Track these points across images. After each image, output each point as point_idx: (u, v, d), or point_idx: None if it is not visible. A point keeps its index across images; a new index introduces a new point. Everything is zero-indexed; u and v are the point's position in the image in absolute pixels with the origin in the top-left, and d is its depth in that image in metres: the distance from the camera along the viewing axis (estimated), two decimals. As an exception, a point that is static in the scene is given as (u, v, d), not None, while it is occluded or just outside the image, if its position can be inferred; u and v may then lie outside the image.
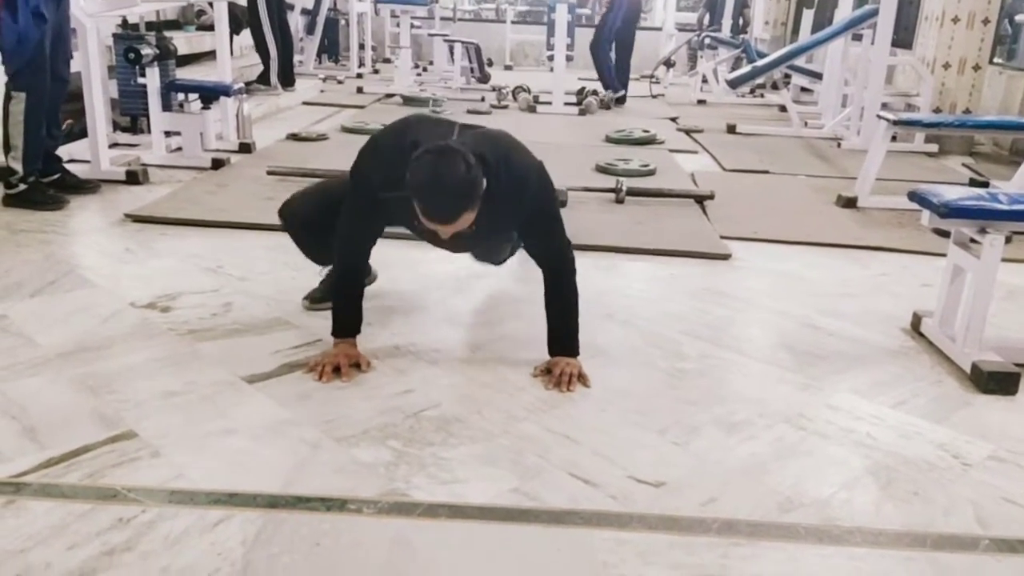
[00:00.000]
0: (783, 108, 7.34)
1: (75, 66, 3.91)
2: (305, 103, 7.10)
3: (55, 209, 3.57)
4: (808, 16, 8.67)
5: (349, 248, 2.25)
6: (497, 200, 2.01)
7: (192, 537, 1.53)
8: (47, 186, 3.70)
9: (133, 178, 4.06)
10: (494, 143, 2.12)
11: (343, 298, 2.28)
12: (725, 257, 3.40)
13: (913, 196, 2.55)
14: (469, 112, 6.82)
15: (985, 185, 4.68)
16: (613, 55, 7.72)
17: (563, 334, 2.29)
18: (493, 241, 2.59)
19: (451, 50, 8.79)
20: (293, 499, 1.67)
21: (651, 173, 4.76)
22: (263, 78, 6.94)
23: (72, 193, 3.78)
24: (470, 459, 1.85)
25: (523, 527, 1.63)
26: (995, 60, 6.57)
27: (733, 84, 7.01)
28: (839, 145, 6.06)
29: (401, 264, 3.08)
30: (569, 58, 7.33)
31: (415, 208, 1.96)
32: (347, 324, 2.28)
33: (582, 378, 2.24)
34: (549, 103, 7.24)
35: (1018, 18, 6.76)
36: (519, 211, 2.14)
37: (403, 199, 1.96)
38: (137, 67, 4.42)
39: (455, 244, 2.31)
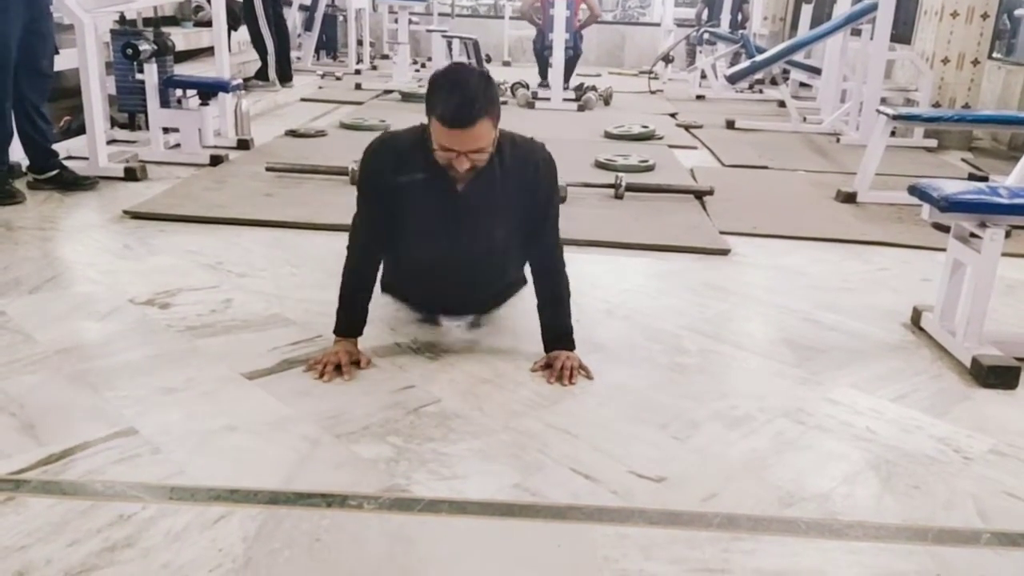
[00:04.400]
0: (782, 104, 7.33)
1: (73, 62, 3.90)
2: (303, 99, 7.09)
3: (10, 204, 3.52)
4: (807, 11, 8.66)
5: (362, 249, 2.26)
6: (505, 167, 2.14)
7: (193, 534, 1.53)
8: (45, 181, 3.70)
9: (131, 175, 4.05)
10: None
11: (350, 298, 2.26)
12: (724, 252, 3.40)
13: (913, 190, 2.55)
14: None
15: (984, 179, 4.68)
16: None
17: (558, 330, 2.29)
18: (494, 221, 2.28)
19: (449, 46, 8.76)
20: (294, 495, 1.66)
21: (650, 169, 4.76)
22: (261, 74, 6.93)
23: (70, 190, 3.78)
24: (470, 455, 1.85)
25: (524, 522, 1.63)
26: (994, 55, 6.57)
27: (732, 79, 7.01)
28: (838, 140, 6.06)
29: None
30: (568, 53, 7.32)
31: (433, 130, 2.04)
32: (351, 324, 2.26)
33: (584, 369, 2.24)
34: (548, 99, 7.22)
35: (1017, 12, 6.76)
36: (525, 186, 2.19)
37: (416, 183, 2.11)
38: (135, 63, 4.40)
39: (459, 287, 2.34)
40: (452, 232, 2.20)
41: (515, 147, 2.20)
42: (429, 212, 2.18)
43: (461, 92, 1.99)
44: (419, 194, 2.15)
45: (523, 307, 2.67)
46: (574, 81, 7.82)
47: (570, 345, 2.29)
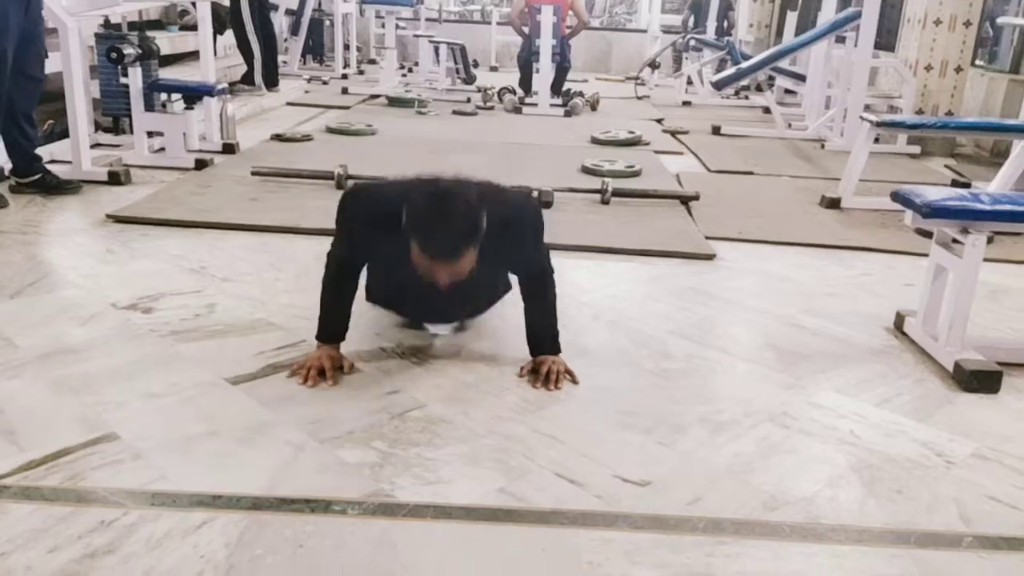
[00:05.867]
0: (767, 110, 7.37)
1: (57, 66, 3.87)
2: (289, 104, 7.07)
3: None
4: (792, 18, 8.72)
5: (342, 265, 2.22)
6: (492, 240, 1.97)
7: (175, 539, 1.52)
8: (28, 185, 3.67)
9: (115, 179, 4.02)
10: (482, 186, 2.07)
11: (332, 303, 2.24)
12: (710, 257, 3.41)
13: (896, 196, 2.57)
14: (455, 113, 6.83)
15: (967, 186, 4.72)
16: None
17: (544, 335, 2.29)
18: (479, 273, 2.07)
19: (436, 51, 8.76)
20: (277, 501, 1.65)
21: (636, 174, 4.77)
22: (247, 78, 6.90)
23: (54, 194, 3.76)
24: (455, 460, 1.84)
25: (509, 527, 1.63)
26: (977, 62, 6.63)
27: (718, 86, 7.04)
28: (823, 146, 6.09)
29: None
30: (555, 60, 7.33)
31: (412, 250, 1.89)
32: (333, 330, 2.24)
33: (569, 374, 2.24)
34: (535, 104, 7.24)
35: (999, 21, 6.82)
36: (505, 247, 2.08)
37: (398, 243, 1.93)
38: (119, 67, 4.39)
39: (444, 299, 2.15)
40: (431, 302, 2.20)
41: (492, 216, 1.96)
42: (412, 281, 2.04)
43: (445, 227, 1.86)
44: (401, 254, 1.97)
45: (509, 313, 2.67)
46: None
47: (555, 349, 2.29)
